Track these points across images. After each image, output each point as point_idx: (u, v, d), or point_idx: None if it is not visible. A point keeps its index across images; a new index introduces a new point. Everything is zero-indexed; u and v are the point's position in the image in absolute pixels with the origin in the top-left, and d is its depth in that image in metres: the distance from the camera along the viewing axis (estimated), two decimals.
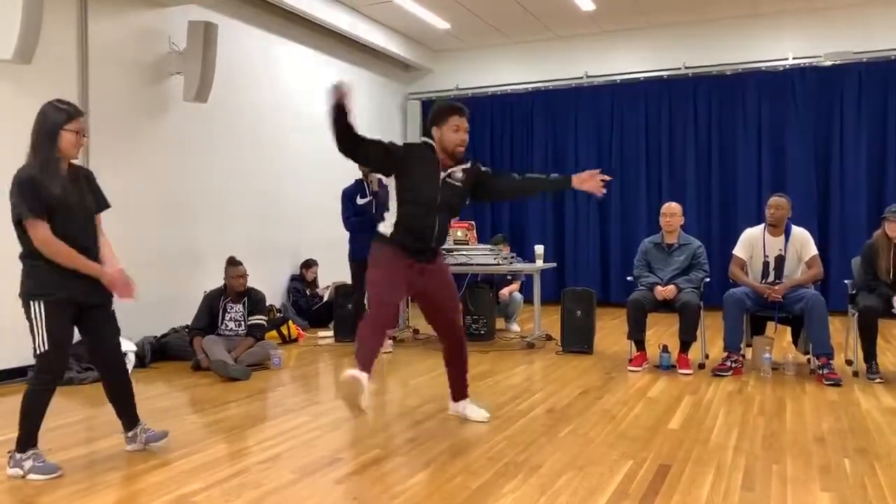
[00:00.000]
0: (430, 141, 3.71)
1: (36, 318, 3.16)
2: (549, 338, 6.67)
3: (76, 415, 4.26)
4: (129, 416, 3.49)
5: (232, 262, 5.78)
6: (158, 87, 6.48)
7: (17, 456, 3.16)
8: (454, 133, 3.63)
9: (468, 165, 3.76)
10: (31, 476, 3.11)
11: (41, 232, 3.11)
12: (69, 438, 3.73)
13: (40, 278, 3.17)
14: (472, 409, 4.00)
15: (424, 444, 3.53)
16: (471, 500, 2.80)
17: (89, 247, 3.27)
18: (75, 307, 3.25)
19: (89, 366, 5.28)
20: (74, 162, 3.35)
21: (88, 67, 5.81)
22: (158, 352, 5.87)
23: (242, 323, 5.73)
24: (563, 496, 2.83)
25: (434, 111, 3.74)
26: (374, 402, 4.49)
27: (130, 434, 3.49)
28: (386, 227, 3.75)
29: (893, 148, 8.50)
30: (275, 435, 3.74)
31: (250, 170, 7.57)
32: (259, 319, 5.76)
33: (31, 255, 3.18)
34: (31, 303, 3.16)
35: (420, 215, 3.66)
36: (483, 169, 3.86)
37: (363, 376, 3.30)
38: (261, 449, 3.50)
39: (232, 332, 5.68)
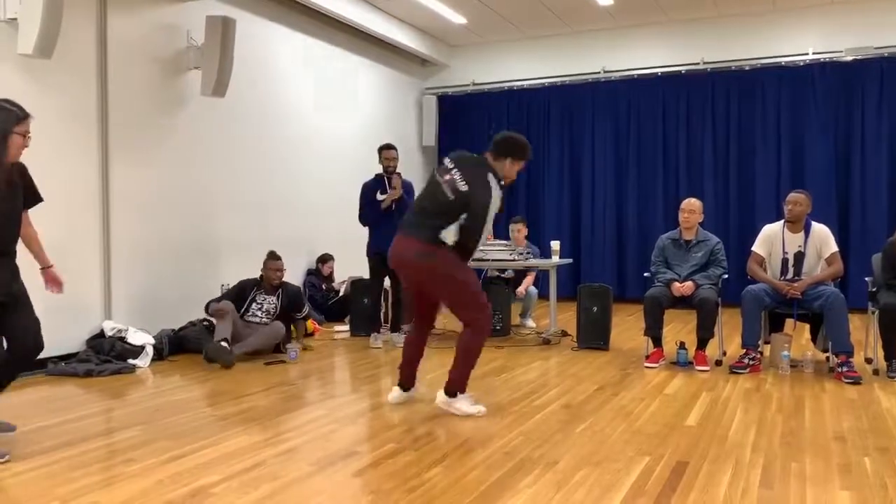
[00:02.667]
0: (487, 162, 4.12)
1: None
2: (564, 334, 6.65)
3: (94, 406, 4.30)
4: None
5: (273, 256, 5.97)
6: (176, 82, 6.52)
7: None
8: (516, 168, 4.14)
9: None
10: None
11: None
12: (88, 430, 3.76)
13: None
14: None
15: (440, 439, 3.54)
16: (487, 495, 2.79)
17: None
18: None
19: (108, 358, 5.34)
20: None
21: (108, 62, 5.84)
22: (176, 345, 5.91)
23: (273, 315, 5.88)
24: (580, 492, 2.83)
25: (518, 145, 4.14)
26: (387, 397, 4.51)
27: None
28: (449, 236, 3.93)
29: None
30: (292, 428, 3.76)
31: (267, 164, 7.59)
32: (303, 313, 6.18)
33: None
34: None
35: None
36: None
37: (472, 407, 3.98)
38: (278, 441, 3.52)
39: (257, 320, 5.83)
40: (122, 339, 5.54)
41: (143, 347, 5.53)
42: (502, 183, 4.05)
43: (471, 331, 4.01)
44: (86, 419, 3.99)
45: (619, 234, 9.67)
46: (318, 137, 8.38)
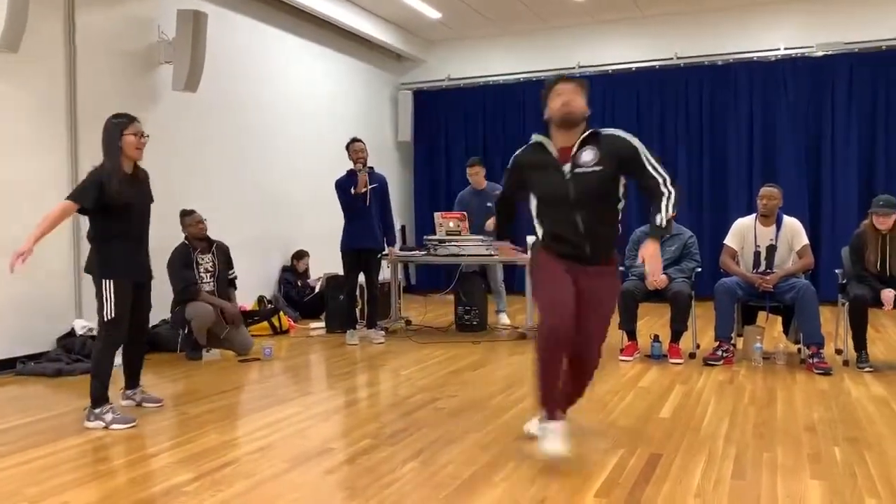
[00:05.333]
0: (540, 138, 3.27)
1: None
2: None
3: (65, 406, 4.23)
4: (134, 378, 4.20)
5: (186, 213, 5.82)
6: (147, 77, 6.43)
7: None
8: (554, 102, 3.11)
9: (586, 135, 3.12)
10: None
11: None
12: (58, 430, 3.70)
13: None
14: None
15: (416, 434, 3.53)
16: (462, 489, 2.79)
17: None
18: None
19: (79, 357, 5.27)
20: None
21: (76, 56, 5.75)
22: (148, 343, 5.82)
23: (213, 274, 5.80)
24: (555, 484, 2.83)
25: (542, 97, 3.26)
26: (365, 393, 4.50)
27: (129, 392, 4.17)
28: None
29: (883, 139, 8.52)
30: (266, 425, 3.73)
31: (241, 160, 7.52)
32: (233, 273, 5.99)
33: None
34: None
35: (558, 219, 3.17)
36: (625, 143, 3.14)
37: (557, 425, 3.04)
38: (252, 439, 3.49)
39: (206, 284, 5.77)
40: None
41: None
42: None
43: None
44: (56, 419, 3.93)
45: None
46: (293, 133, 8.32)
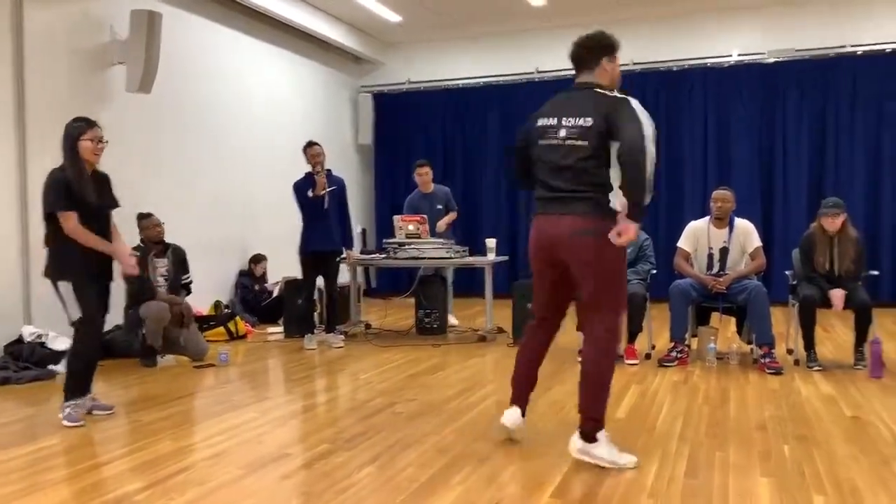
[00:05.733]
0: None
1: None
2: (500, 330, 6.69)
3: (12, 415, 4.12)
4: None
5: (143, 216, 5.72)
6: (99, 77, 6.30)
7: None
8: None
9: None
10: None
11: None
12: (5, 439, 3.60)
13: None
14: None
15: (373, 438, 3.51)
16: (419, 493, 2.79)
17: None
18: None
19: (27, 364, 5.13)
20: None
21: (24, 55, 5.61)
22: (102, 349, 5.70)
23: (167, 279, 5.72)
24: (511, 486, 2.85)
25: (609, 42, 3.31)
26: (323, 398, 4.46)
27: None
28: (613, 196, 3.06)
29: (833, 142, 8.76)
30: (221, 431, 3.68)
31: (197, 163, 7.42)
32: (189, 278, 5.89)
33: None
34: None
35: None
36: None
37: (619, 455, 3.05)
38: (206, 446, 3.44)
39: (160, 288, 5.68)
40: (43, 345, 5.32)
41: (65, 353, 5.32)
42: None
43: (596, 347, 3.11)
44: (3, 428, 3.82)
45: None
46: (250, 135, 8.23)
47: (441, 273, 7.10)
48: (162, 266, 5.72)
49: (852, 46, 8.52)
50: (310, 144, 6.19)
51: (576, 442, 3.10)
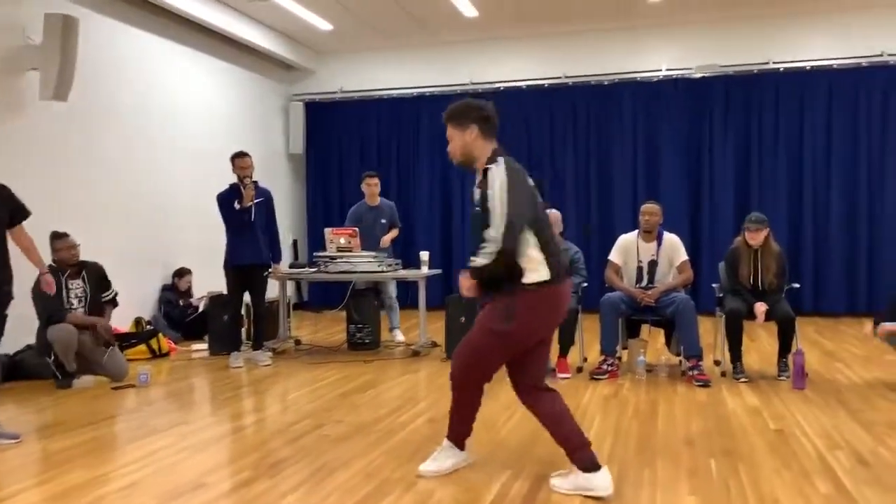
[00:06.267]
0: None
1: None
2: (434, 344, 6.63)
3: None
4: None
5: (58, 236, 5.42)
6: (11, 84, 5.99)
7: None
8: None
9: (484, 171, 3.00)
10: None
11: None
12: None
13: None
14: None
15: (299, 464, 3.39)
16: None
17: None
18: None
19: None
20: None
21: None
22: (11, 370, 5.41)
23: (84, 300, 5.46)
24: None
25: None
26: (247, 420, 4.30)
27: None
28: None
29: (757, 157, 9.02)
30: (137, 459, 3.49)
31: (117, 173, 7.12)
32: (112, 293, 5.64)
33: None
34: None
35: None
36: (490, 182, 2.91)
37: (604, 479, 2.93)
38: (120, 475, 3.25)
39: (78, 309, 5.42)
40: None
41: None
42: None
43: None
44: None
45: None
46: (175, 145, 7.96)
47: (379, 287, 7.00)
48: (76, 287, 5.44)
49: (775, 63, 8.80)
50: (240, 155, 6.01)
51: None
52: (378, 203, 7.07)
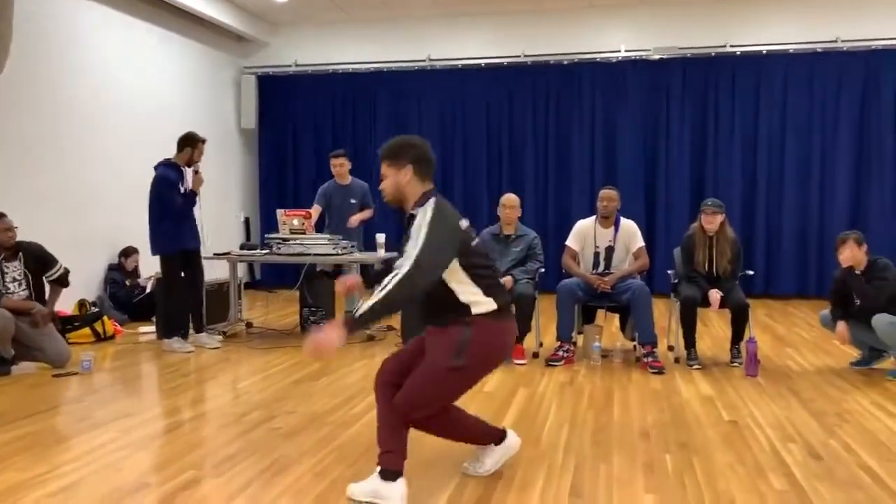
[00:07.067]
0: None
1: None
2: (390, 328, 6.54)
3: None
4: None
5: None
6: None
7: None
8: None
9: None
10: None
11: None
12: None
13: None
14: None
15: (246, 461, 3.27)
16: None
17: None
18: None
19: None
20: None
21: None
22: None
23: (24, 282, 5.23)
24: None
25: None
26: (194, 412, 4.15)
27: None
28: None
29: (713, 141, 9.07)
30: (75, 457, 3.33)
31: (56, 150, 6.81)
32: (58, 271, 5.39)
33: None
34: None
35: None
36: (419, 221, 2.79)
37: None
38: (55, 477, 3.09)
39: (15, 295, 5.19)
40: None
41: None
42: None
43: None
44: None
45: None
46: (119, 119, 7.65)
47: (342, 270, 6.84)
48: (14, 270, 5.19)
49: (732, 46, 8.82)
50: (202, 140, 5.82)
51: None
52: (349, 182, 6.89)
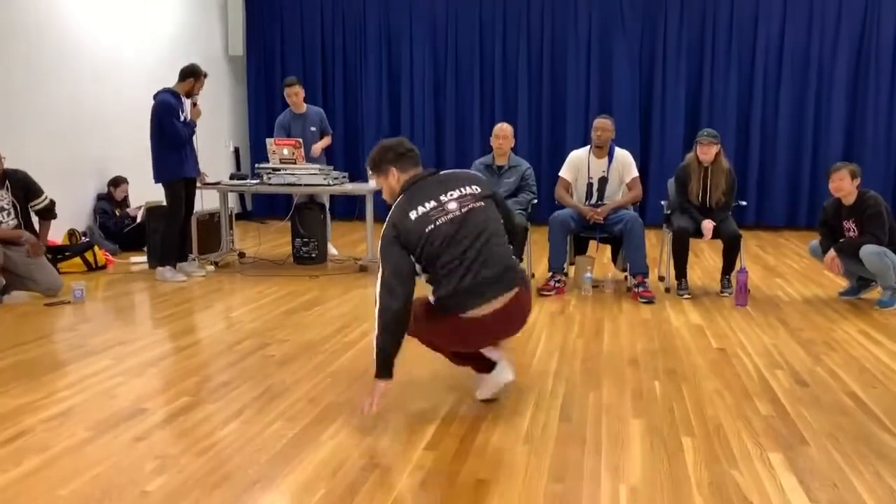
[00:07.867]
0: None
1: None
2: None
3: None
4: None
5: None
6: None
7: None
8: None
9: None
10: None
11: None
12: None
13: None
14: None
15: (240, 388, 3.30)
16: (286, 450, 2.63)
17: None
18: None
19: None
20: None
21: None
22: None
23: (12, 211, 5.18)
24: (385, 438, 2.74)
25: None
26: (188, 340, 4.17)
27: None
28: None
29: (709, 70, 8.92)
30: (70, 384, 3.36)
31: (44, 79, 6.64)
32: (43, 201, 5.32)
33: None
34: None
35: None
36: None
37: None
38: (51, 402, 3.12)
39: (4, 224, 5.16)
40: None
41: None
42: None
43: None
44: None
45: (437, 157, 9.54)
46: (104, 46, 7.43)
47: (318, 199, 6.78)
48: (1, 199, 5.12)
49: None
50: (204, 74, 5.74)
51: None
52: (305, 110, 6.77)
